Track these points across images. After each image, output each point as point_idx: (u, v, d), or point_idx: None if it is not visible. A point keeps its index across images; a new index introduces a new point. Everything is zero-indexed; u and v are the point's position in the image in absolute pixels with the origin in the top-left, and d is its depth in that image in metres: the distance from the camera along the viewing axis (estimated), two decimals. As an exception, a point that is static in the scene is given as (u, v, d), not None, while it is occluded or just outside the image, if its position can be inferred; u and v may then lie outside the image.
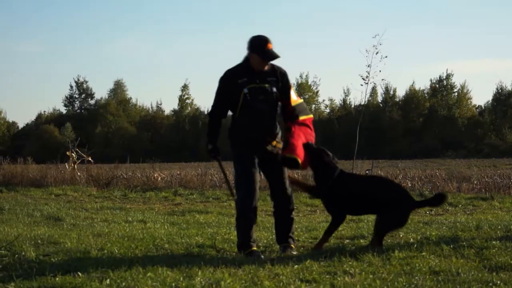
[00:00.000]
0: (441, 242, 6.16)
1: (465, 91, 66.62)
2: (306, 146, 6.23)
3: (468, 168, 26.98)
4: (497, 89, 66.52)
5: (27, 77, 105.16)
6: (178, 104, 73.93)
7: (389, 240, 6.53)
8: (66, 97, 77.22)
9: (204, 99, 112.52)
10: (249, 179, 6.19)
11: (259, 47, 6.16)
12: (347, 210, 6.35)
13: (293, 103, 6.40)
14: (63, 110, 78.18)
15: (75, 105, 77.61)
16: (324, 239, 6.32)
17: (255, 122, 6.23)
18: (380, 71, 13.62)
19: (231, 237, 7.12)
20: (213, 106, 6.41)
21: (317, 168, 6.33)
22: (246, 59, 6.29)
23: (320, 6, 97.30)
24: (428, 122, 64.17)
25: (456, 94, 66.92)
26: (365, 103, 13.35)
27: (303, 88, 70.19)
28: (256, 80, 6.21)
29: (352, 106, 68.28)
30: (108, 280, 4.81)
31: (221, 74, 6.30)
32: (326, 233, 6.33)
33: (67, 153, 20.88)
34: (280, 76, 6.34)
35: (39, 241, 6.97)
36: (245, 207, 6.18)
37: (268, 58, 6.19)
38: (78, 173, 19.00)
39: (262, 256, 6.01)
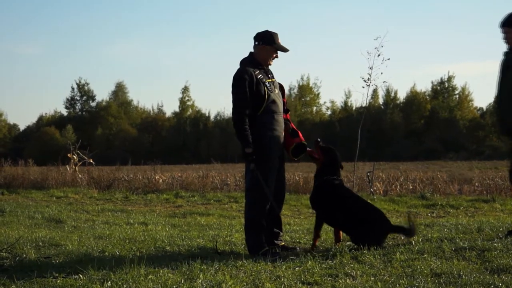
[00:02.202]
0: (442, 244, 6.15)
1: (466, 93, 66.68)
2: (326, 147, 6.51)
3: (470, 170, 26.96)
4: (498, 91, 66.50)
5: (28, 79, 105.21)
6: (179, 106, 74.02)
7: (390, 242, 6.52)
8: (67, 99, 77.40)
9: (204, 101, 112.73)
10: (270, 185, 6.17)
11: (272, 39, 6.29)
12: (324, 214, 6.43)
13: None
14: (64, 112, 78.43)
15: (76, 107, 77.75)
16: (315, 235, 6.44)
17: (277, 118, 6.25)
18: (381, 73, 13.55)
19: (233, 239, 7.12)
20: (241, 107, 6.07)
21: (323, 165, 6.48)
22: (252, 55, 6.34)
23: (321, 8, 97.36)
24: (430, 124, 64.16)
25: (457, 96, 66.95)
26: (367, 105, 13.42)
27: (304, 90, 70.24)
28: (268, 75, 6.33)
29: (354, 108, 68.35)
30: (109, 282, 4.81)
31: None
32: (314, 229, 6.49)
33: (68, 155, 20.87)
34: (272, 73, 6.47)
35: (40, 243, 6.97)
36: (261, 212, 6.17)
37: (282, 49, 6.34)
38: (79, 175, 19.01)
39: (286, 251, 6.19)
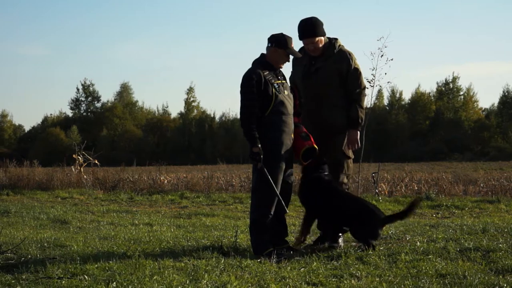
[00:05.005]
0: (447, 245, 6.15)
1: (471, 94, 66.51)
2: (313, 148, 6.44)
3: (475, 171, 26.90)
4: (503, 91, 66.44)
5: (33, 80, 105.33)
6: (184, 107, 74.03)
7: (395, 244, 6.52)
8: (73, 100, 77.35)
9: (209, 102, 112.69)
10: (277, 186, 6.18)
11: (285, 43, 6.29)
12: (314, 211, 6.48)
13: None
14: (70, 113, 78.37)
15: (82, 108, 77.70)
16: (301, 232, 6.49)
17: (285, 119, 6.25)
18: (385, 73, 13.47)
19: (238, 240, 7.12)
20: (248, 107, 6.13)
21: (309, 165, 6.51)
22: (263, 57, 6.36)
23: (324, 9, 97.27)
24: (435, 125, 64.03)
25: (462, 97, 66.81)
26: (371, 106, 13.37)
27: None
28: (278, 76, 6.34)
29: (358, 109, 68.01)
30: (114, 283, 4.83)
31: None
32: (302, 225, 6.55)
33: (74, 156, 20.89)
34: (283, 75, 6.49)
35: (45, 244, 6.99)
36: (266, 213, 6.20)
37: (294, 54, 6.37)
38: (85, 176, 19.03)
39: (291, 252, 6.19)
